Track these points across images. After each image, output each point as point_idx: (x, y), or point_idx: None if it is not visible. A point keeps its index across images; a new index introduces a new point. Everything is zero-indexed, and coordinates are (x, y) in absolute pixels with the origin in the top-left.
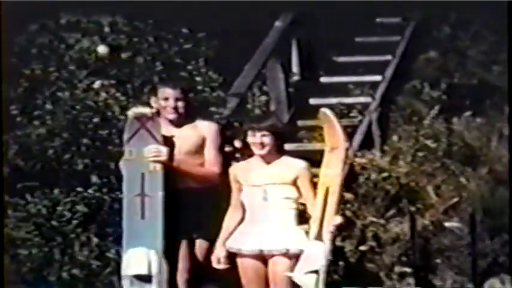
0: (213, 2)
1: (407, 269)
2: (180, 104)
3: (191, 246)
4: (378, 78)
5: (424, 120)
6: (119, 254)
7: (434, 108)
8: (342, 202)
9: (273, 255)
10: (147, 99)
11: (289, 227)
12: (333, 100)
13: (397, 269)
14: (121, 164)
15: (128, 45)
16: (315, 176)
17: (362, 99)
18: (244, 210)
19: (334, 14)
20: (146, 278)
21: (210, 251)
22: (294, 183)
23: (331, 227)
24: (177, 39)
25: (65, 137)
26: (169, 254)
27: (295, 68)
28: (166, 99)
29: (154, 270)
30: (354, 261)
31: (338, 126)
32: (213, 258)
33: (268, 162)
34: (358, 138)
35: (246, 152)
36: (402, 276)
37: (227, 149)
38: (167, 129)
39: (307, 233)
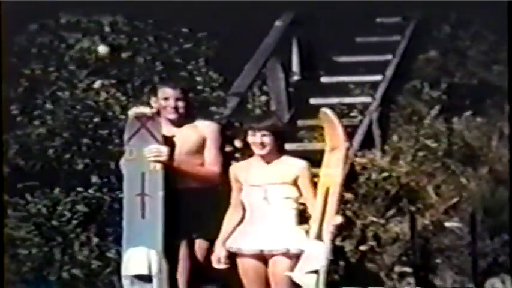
0: (213, 2)
1: (408, 269)
2: (180, 103)
3: (191, 246)
4: (378, 78)
5: (424, 120)
6: (119, 254)
7: (434, 108)
8: (342, 202)
9: (273, 255)
10: (147, 99)
11: (289, 227)
12: (333, 100)
13: (397, 268)
14: (121, 163)
15: (128, 45)
16: (315, 175)
17: (362, 99)
18: (244, 210)
19: (334, 14)
20: (146, 278)
21: (210, 251)
22: (294, 183)
23: (332, 227)
24: (177, 39)
25: (65, 136)
26: (170, 254)
27: (295, 68)
28: (166, 99)
29: (154, 270)
30: (354, 261)
31: (338, 126)
32: (213, 258)
33: (268, 162)
34: (358, 138)
35: (246, 152)
36: (402, 276)
37: (227, 148)
38: (167, 129)
39: (307, 232)
